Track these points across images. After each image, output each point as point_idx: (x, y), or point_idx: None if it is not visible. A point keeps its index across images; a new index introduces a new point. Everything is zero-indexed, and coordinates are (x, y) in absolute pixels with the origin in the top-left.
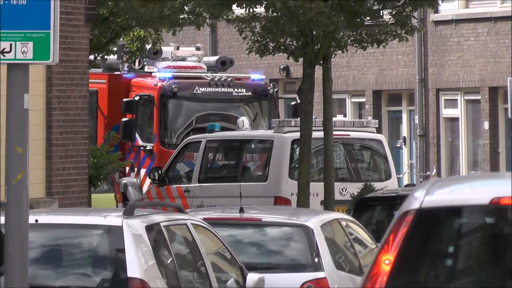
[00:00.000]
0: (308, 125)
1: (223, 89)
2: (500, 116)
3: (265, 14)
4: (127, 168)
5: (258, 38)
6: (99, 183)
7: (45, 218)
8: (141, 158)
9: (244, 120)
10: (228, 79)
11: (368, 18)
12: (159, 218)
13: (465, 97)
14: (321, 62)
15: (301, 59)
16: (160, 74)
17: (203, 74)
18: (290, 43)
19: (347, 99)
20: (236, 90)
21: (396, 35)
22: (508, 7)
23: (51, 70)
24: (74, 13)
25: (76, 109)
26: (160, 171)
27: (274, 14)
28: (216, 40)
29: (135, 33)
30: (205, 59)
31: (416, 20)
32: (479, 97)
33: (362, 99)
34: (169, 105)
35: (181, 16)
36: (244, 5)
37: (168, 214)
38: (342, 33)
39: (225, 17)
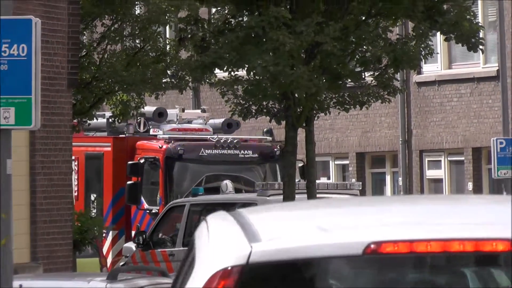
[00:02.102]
0: (292, 188)
1: (229, 151)
2: (484, 177)
3: (247, 77)
4: (133, 232)
5: (241, 101)
6: (84, 248)
7: (29, 283)
8: (147, 221)
9: (227, 184)
10: (234, 141)
11: (350, 80)
12: (142, 282)
13: (449, 158)
14: (304, 124)
15: (284, 122)
16: (165, 136)
17: (208, 136)
18: (273, 106)
19: (330, 162)
20: (242, 152)
21: (378, 96)
22: (491, 68)
23: (34, 135)
24: (57, 78)
25: (60, 174)
26: (144, 235)
27: (256, 77)
28: (199, 103)
29: (118, 98)
30: (211, 121)
31: (398, 82)
32: (462, 158)
33: (346, 161)
34: (175, 167)
35: (163, 80)
36: (225, 69)
37: (152, 278)
38: (324, 96)
39: (207, 80)
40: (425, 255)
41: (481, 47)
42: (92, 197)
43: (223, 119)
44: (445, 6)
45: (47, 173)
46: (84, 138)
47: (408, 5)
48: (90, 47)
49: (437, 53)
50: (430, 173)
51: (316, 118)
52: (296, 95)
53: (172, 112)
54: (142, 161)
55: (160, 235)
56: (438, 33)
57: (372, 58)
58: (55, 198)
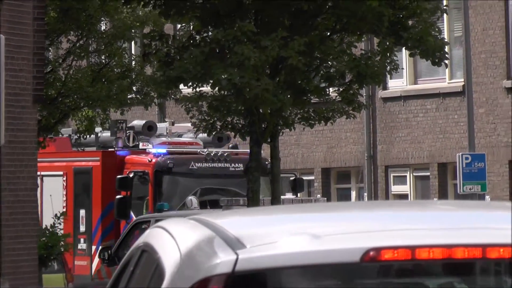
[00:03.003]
0: (256, 203)
1: (219, 165)
2: (450, 192)
3: (211, 93)
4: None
5: (205, 117)
6: (50, 263)
7: None
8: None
9: (192, 200)
10: (225, 154)
11: (315, 95)
12: None
13: (414, 174)
14: (269, 140)
15: (248, 138)
16: (154, 150)
17: (199, 150)
18: (237, 121)
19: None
20: (233, 165)
21: (343, 112)
22: (457, 83)
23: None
24: (22, 94)
25: (25, 189)
26: (110, 251)
27: (221, 92)
28: (165, 119)
29: (84, 113)
30: (201, 135)
31: (364, 97)
32: (428, 173)
33: (311, 177)
34: (164, 181)
35: (129, 96)
36: (190, 84)
37: None
38: (289, 111)
39: (173, 96)
40: (427, 262)
41: (446, 61)
42: (81, 212)
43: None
44: (410, 22)
45: (13, 189)
46: (72, 153)
47: (373, 20)
48: (55, 63)
49: (403, 68)
50: (396, 189)
51: (281, 134)
52: (261, 110)
53: (161, 126)
54: (131, 175)
55: (125, 250)
56: (404, 49)
57: (337, 74)
58: (20, 214)
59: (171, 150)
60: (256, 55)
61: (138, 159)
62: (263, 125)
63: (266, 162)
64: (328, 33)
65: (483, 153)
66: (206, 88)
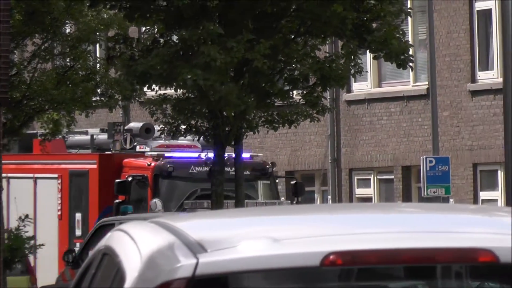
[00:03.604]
0: (220, 207)
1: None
2: (414, 195)
3: (176, 95)
4: None
5: (170, 120)
6: (14, 266)
7: None
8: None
9: (157, 202)
10: (225, 158)
11: (279, 98)
12: None
13: (378, 177)
14: (233, 143)
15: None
16: (153, 153)
17: (198, 153)
18: (201, 124)
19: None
20: (233, 169)
21: (307, 115)
22: (421, 86)
23: None
24: None
25: None
26: (74, 254)
27: (185, 94)
28: (129, 122)
29: (49, 116)
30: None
31: (328, 100)
32: (392, 176)
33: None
34: (164, 185)
35: (93, 98)
36: (154, 86)
37: None
38: (253, 114)
39: (137, 99)
40: (392, 266)
41: (410, 64)
42: (77, 215)
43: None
44: (374, 25)
45: None
46: (67, 156)
47: (337, 23)
48: (20, 66)
49: (367, 71)
50: (360, 192)
51: (245, 137)
52: (225, 113)
53: (159, 128)
54: (130, 179)
55: (89, 253)
56: (368, 51)
57: (301, 77)
58: None
59: (170, 153)
60: (222, 57)
61: (136, 162)
62: (227, 128)
63: (267, 166)
64: (292, 36)
65: (447, 156)
66: (170, 91)
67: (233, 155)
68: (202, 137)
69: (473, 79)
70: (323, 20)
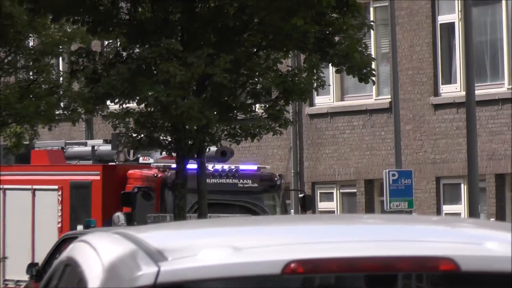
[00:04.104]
0: (182, 220)
1: (227, 180)
2: (377, 209)
3: (138, 109)
4: None
5: (132, 133)
6: None
7: None
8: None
9: (119, 216)
10: (233, 170)
11: (241, 112)
12: None
13: (341, 190)
14: (195, 156)
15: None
16: (159, 164)
17: (206, 165)
18: (164, 138)
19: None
20: (241, 181)
21: (270, 128)
22: (384, 99)
23: None
24: None
25: None
26: (37, 267)
27: (148, 109)
28: (92, 135)
29: (12, 130)
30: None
31: (290, 114)
32: (355, 190)
33: None
34: (171, 197)
35: (57, 112)
36: (117, 101)
37: None
38: (215, 128)
39: (100, 112)
40: (350, 274)
41: (372, 78)
42: (79, 228)
43: (215, 148)
44: (336, 38)
45: None
46: (68, 167)
47: (298, 37)
48: None
49: (329, 85)
50: (322, 205)
51: (207, 150)
52: (187, 127)
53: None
54: (135, 190)
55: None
56: (330, 65)
57: (263, 90)
58: None
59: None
60: (182, 72)
61: (142, 174)
62: (189, 142)
63: (275, 178)
64: (255, 50)
65: (410, 170)
66: (133, 105)
67: (233, 167)
68: (164, 150)
69: (436, 93)
70: (285, 33)
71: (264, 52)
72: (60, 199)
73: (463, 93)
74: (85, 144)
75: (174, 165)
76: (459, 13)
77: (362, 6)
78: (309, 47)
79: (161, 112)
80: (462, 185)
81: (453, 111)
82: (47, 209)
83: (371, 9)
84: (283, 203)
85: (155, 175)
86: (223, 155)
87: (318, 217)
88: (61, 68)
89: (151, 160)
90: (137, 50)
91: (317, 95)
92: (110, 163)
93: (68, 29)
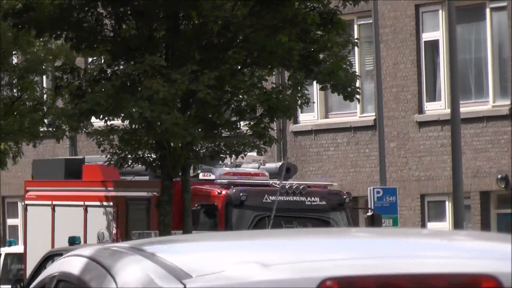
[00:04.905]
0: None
1: (295, 198)
2: (362, 225)
3: (122, 126)
4: None
5: (117, 150)
6: None
7: None
8: None
9: (104, 233)
10: (300, 187)
11: (226, 129)
12: None
13: None
14: (180, 174)
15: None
16: (222, 181)
17: (271, 182)
18: (149, 155)
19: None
20: (309, 199)
21: (254, 146)
22: (368, 117)
23: None
24: None
25: None
26: (22, 283)
27: (132, 126)
28: (76, 152)
29: None
30: (267, 165)
31: (275, 131)
32: None
33: None
34: (236, 215)
35: (41, 129)
36: (102, 117)
37: None
38: (200, 145)
39: (84, 129)
40: None
41: (357, 96)
42: None
43: (280, 163)
44: (321, 55)
45: None
46: (124, 183)
47: (283, 54)
48: None
49: (314, 102)
50: None
51: (192, 168)
52: (172, 144)
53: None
54: (198, 207)
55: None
56: (315, 82)
57: (248, 107)
58: None
59: (241, 181)
60: (165, 89)
61: (204, 190)
62: (174, 159)
63: (344, 196)
64: (239, 67)
65: (394, 187)
66: (117, 122)
67: (300, 184)
68: (149, 167)
69: (421, 110)
70: (269, 50)
71: (248, 69)
72: (115, 215)
73: (448, 110)
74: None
75: (237, 181)
76: (444, 30)
77: (347, 23)
78: (293, 64)
79: (146, 129)
80: (447, 202)
81: (437, 128)
82: (101, 225)
83: (355, 27)
84: (351, 222)
85: (219, 191)
86: (287, 171)
87: (345, 230)
88: (45, 85)
89: (213, 177)
90: (122, 66)
91: (302, 112)
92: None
93: (52, 47)
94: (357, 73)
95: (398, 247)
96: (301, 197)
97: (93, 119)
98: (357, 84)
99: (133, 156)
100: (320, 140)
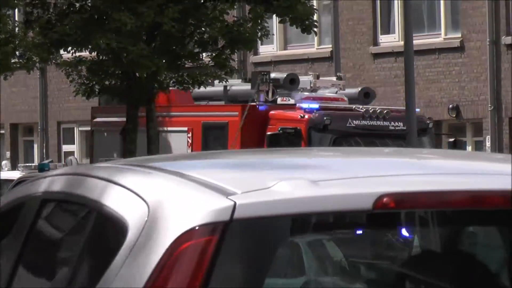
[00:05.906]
0: None
1: (378, 123)
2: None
3: (90, 57)
4: None
5: (85, 81)
6: None
7: None
8: None
9: (72, 159)
10: (384, 112)
11: (189, 60)
12: None
13: None
14: (146, 102)
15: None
16: (305, 105)
17: (354, 106)
18: (115, 85)
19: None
20: (392, 123)
21: (216, 76)
22: (325, 49)
23: None
24: None
25: None
26: None
27: (99, 57)
28: (46, 83)
29: None
30: (347, 90)
31: (236, 62)
32: None
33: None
34: (319, 139)
35: (12, 60)
36: (70, 49)
37: None
38: (164, 75)
39: (54, 61)
40: (453, 210)
41: (314, 29)
42: None
43: (359, 88)
44: None
45: None
46: (200, 107)
47: None
48: None
49: (273, 34)
50: None
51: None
52: (137, 74)
53: (304, 79)
54: (281, 131)
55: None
56: (274, 16)
57: (210, 40)
58: None
59: (324, 105)
60: (132, 21)
61: (286, 114)
62: (139, 88)
63: (427, 121)
64: (202, 1)
65: None
66: (85, 53)
67: (376, 108)
68: (116, 97)
69: (375, 42)
70: None
71: (211, 3)
72: (190, 141)
73: (401, 43)
74: (212, 84)
75: (317, 106)
76: None
77: None
78: None
79: (112, 60)
80: None
81: (391, 60)
82: (175, 151)
83: None
84: (433, 146)
85: (302, 115)
86: (366, 96)
87: (402, 150)
88: (16, 18)
89: (292, 101)
90: (90, 1)
91: (262, 44)
92: (250, 103)
93: None
94: (314, 7)
95: (455, 166)
96: (384, 122)
97: (62, 51)
98: (315, 17)
99: (101, 86)
100: (279, 71)
